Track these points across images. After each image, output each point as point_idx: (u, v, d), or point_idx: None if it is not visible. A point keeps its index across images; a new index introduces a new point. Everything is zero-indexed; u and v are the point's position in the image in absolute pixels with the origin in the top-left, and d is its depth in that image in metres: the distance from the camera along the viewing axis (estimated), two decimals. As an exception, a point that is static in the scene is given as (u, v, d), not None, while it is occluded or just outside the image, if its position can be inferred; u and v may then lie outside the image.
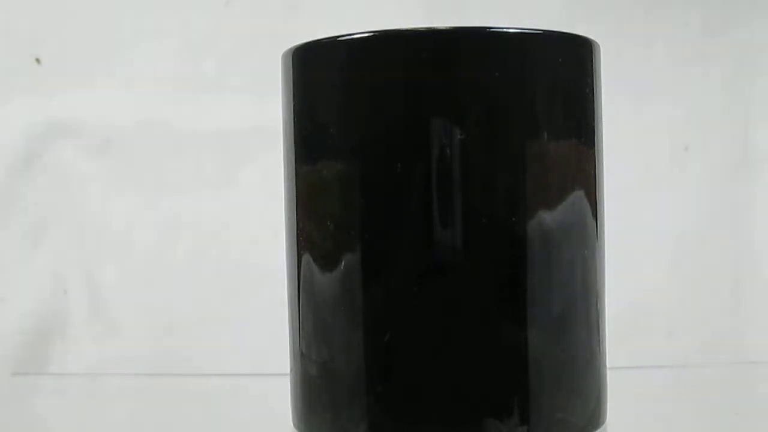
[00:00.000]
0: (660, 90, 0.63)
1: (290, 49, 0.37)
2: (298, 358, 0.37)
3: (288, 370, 0.39)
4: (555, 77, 0.35)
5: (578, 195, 0.36)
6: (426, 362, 0.34)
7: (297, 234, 0.37)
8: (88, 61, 0.63)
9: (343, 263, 0.35)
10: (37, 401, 0.59)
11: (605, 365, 0.38)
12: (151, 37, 0.63)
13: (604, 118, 0.38)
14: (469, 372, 0.34)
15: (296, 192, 0.37)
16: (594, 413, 0.37)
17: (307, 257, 0.36)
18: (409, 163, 0.34)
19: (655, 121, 0.63)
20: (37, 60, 0.63)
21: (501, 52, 0.34)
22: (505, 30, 0.35)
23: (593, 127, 0.37)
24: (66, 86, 0.63)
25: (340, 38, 0.35)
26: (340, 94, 0.35)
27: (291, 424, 0.38)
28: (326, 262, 0.35)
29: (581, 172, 0.36)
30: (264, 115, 0.61)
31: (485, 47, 0.34)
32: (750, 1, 0.64)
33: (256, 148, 0.63)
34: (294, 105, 0.37)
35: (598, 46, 0.37)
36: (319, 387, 0.36)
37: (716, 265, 0.64)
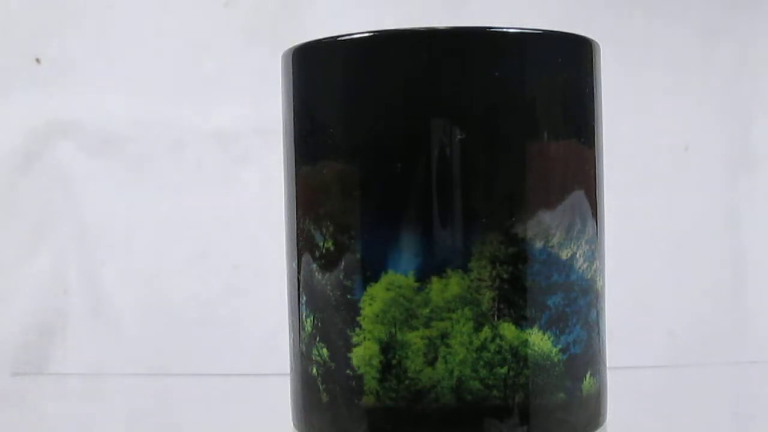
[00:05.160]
0: (660, 90, 0.63)
1: (290, 49, 0.37)
2: (298, 358, 0.37)
3: (288, 370, 0.39)
4: (555, 77, 0.35)
5: (578, 195, 0.36)
6: (426, 362, 0.34)
7: (297, 234, 0.37)
8: (88, 61, 0.63)
9: (343, 263, 0.35)
10: (37, 401, 0.59)
11: (605, 365, 0.38)
12: (151, 36, 0.63)
13: (604, 118, 0.38)
14: (469, 372, 0.34)
15: (296, 192, 0.37)
16: (594, 413, 0.37)
17: (307, 257, 0.36)
18: (409, 163, 0.34)
19: (655, 121, 0.63)
20: (37, 60, 0.63)
21: (501, 52, 0.34)
22: (505, 30, 0.35)
23: (593, 127, 0.37)
24: (66, 86, 0.63)
25: (340, 38, 0.35)
26: (340, 94, 0.35)
27: (291, 424, 0.38)
28: (326, 262, 0.35)
29: (581, 172, 0.36)
30: (264, 115, 0.61)
31: (485, 47, 0.34)
32: (750, 2, 0.64)
33: (256, 148, 0.63)
34: (294, 105, 0.37)
35: (598, 46, 0.37)
36: (319, 387, 0.36)
37: (716, 265, 0.64)
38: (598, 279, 0.37)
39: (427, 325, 0.34)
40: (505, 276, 0.34)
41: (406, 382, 0.34)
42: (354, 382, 0.35)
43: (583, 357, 0.36)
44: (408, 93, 0.34)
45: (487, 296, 0.34)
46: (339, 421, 0.35)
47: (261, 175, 0.62)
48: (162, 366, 0.63)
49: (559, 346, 0.35)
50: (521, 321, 0.34)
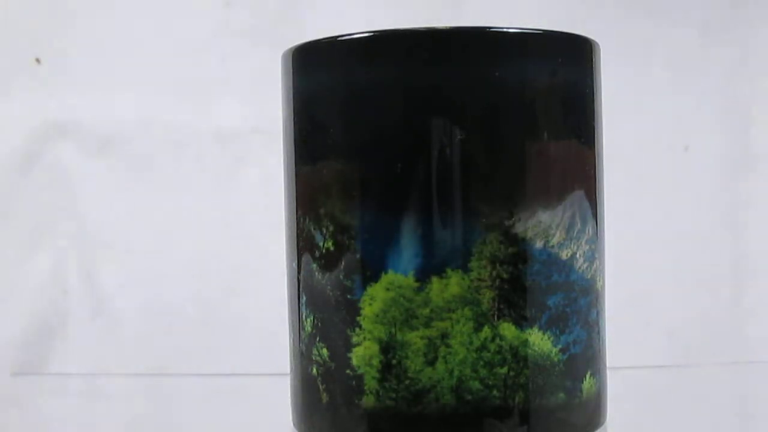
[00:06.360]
0: (660, 90, 0.63)
1: (290, 49, 0.37)
2: (298, 358, 0.37)
3: (288, 370, 0.39)
4: (555, 77, 0.35)
5: (578, 195, 0.36)
6: (426, 362, 0.34)
7: (297, 234, 0.37)
8: (88, 61, 0.63)
9: (343, 263, 0.35)
10: (37, 401, 0.59)
11: (605, 365, 0.38)
12: (151, 37, 0.63)
13: (604, 118, 0.38)
14: (469, 372, 0.34)
15: (296, 192, 0.37)
16: (594, 413, 0.37)
17: (307, 257, 0.36)
18: (409, 163, 0.34)
19: (655, 121, 0.63)
20: (37, 60, 0.63)
21: (501, 52, 0.34)
22: (505, 30, 0.35)
23: (593, 127, 0.37)
24: (66, 86, 0.63)
25: (340, 38, 0.35)
26: (340, 94, 0.35)
27: (291, 424, 0.38)
28: (326, 262, 0.35)
29: (581, 172, 0.36)
30: (264, 115, 0.61)
31: (485, 47, 0.34)
32: (750, 2, 0.64)
33: (256, 148, 0.63)
34: (294, 105, 0.37)
35: (598, 46, 0.37)
36: (319, 387, 0.36)
37: (716, 265, 0.64)
38: (598, 279, 0.37)
39: (427, 325, 0.34)
40: (505, 276, 0.34)
41: (406, 382, 0.34)
42: (354, 382, 0.35)
43: (583, 357, 0.36)
44: (408, 93, 0.34)
45: (487, 296, 0.34)
46: (339, 422, 0.35)
47: (261, 175, 0.62)
48: (162, 366, 0.63)
49: (559, 346, 0.35)
50: (521, 321, 0.34)
